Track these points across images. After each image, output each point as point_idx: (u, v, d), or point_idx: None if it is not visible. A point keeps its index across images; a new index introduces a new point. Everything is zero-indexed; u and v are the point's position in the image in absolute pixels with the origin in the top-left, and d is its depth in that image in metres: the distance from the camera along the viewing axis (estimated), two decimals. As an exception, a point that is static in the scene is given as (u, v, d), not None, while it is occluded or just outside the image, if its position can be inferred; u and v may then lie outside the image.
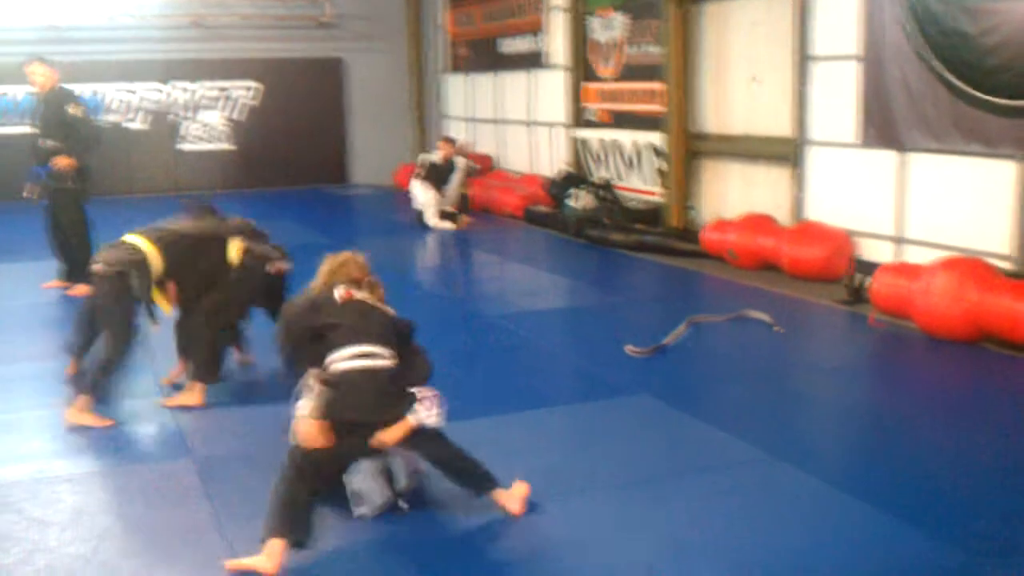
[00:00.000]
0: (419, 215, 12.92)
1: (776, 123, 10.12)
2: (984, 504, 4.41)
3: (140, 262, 5.65)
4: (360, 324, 4.30)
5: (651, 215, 11.74)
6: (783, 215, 9.92)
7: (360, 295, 4.49)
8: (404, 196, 13.45)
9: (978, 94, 7.63)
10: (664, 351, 6.88)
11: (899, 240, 8.62)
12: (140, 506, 4.59)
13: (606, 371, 6.48)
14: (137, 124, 17.10)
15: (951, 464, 4.93)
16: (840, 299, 8.26)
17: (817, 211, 9.48)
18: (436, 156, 13.25)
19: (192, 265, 5.89)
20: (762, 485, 4.66)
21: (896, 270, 7.72)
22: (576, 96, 13.74)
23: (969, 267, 7.16)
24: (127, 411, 5.74)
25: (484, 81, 16.63)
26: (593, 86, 13.42)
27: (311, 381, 4.13)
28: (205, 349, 5.97)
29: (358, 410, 4.06)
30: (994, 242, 7.67)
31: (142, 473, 5.00)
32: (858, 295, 8.12)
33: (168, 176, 17.08)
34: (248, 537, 4.13)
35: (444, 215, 12.85)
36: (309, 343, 4.34)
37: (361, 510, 4.30)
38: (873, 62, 8.61)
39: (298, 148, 17.81)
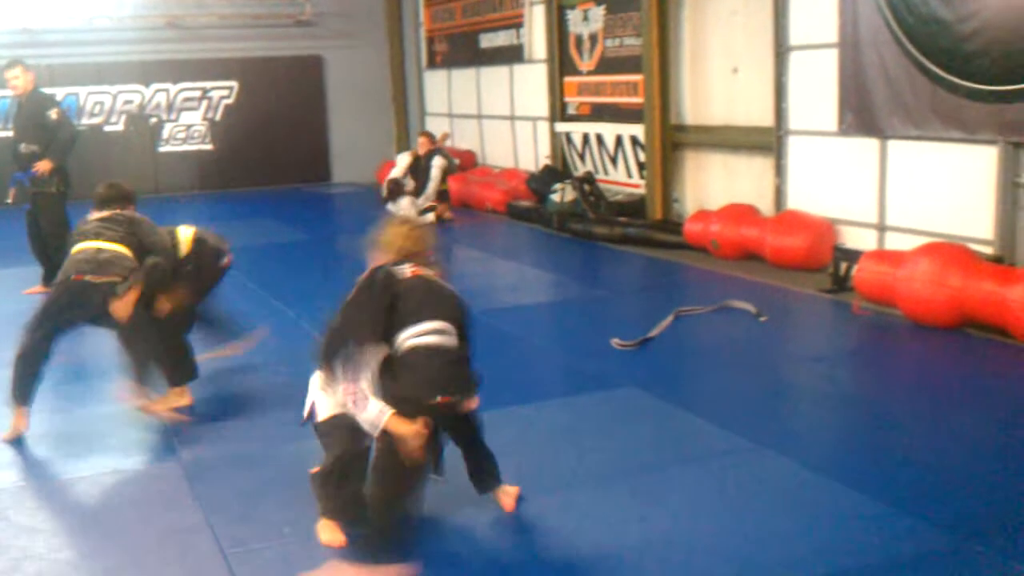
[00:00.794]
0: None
1: (756, 113, 10.14)
2: (969, 487, 4.45)
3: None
4: (429, 300, 4.07)
5: (634, 208, 11.75)
6: (765, 205, 9.95)
7: (426, 271, 4.21)
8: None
9: (956, 80, 7.66)
10: (650, 343, 6.89)
11: (881, 227, 8.65)
12: (128, 510, 4.57)
13: (592, 364, 6.49)
14: (116, 126, 17.02)
15: (936, 449, 4.97)
16: (824, 287, 8.29)
17: (799, 200, 9.51)
18: (400, 169, 13.16)
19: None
20: (749, 474, 4.68)
21: (879, 257, 7.76)
22: (557, 90, 13.74)
23: (951, 253, 7.20)
24: (112, 416, 5.72)
25: (465, 76, 16.61)
26: (573, 80, 13.42)
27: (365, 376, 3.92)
28: (174, 351, 5.85)
29: (434, 389, 3.90)
30: (976, 228, 7.71)
31: (129, 477, 4.98)
32: (842, 283, 8.15)
33: (148, 178, 17.01)
34: (238, 538, 4.13)
35: (421, 212, 12.83)
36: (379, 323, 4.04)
37: None
38: (851, 50, 8.64)
39: (279, 147, 17.75)
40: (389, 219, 4.50)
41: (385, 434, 3.82)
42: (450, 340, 4.02)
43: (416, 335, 3.96)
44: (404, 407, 3.82)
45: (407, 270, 4.14)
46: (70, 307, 5.42)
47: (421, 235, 4.37)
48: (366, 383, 3.90)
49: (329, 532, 4.10)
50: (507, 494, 4.35)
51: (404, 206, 12.82)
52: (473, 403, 4.14)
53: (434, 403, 3.89)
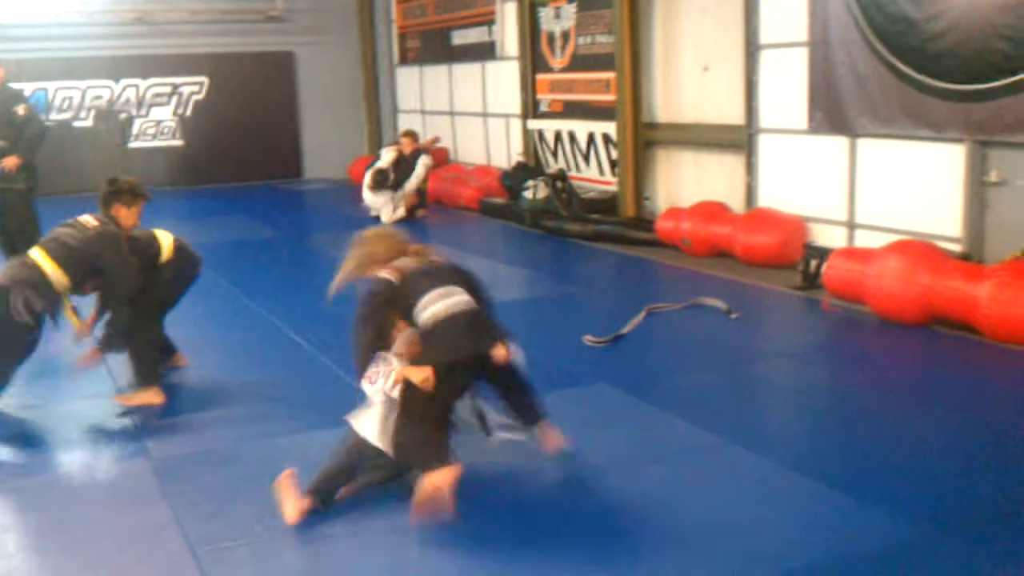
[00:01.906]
0: (376, 216, 12.84)
1: (727, 111, 10.19)
2: (939, 482, 4.49)
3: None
4: (424, 277, 4.43)
5: (606, 205, 11.77)
6: (736, 202, 9.99)
7: (408, 263, 4.54)
8: (359, 191, 13.40)
9: (925, 79, 7.73)
10: (621, 340, 6.91)
11: (851, 225, 8.71)
12: (98, 508, 4.54)
13: (564, 361, 6.50)
14: (85, 122, 16.88)
15: (906, 444, 5.01)
16: (794, 285, 8.34)
17: (770, 198, 9.56)
18: (386, 160, 13.15)
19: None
20: (721, 470, 4.71)
21: (848, 255, 7.81)
22: (529, 87, 13.74)
23: (920, 251, 7.26)
24: (82, 413, 5.68)
25: (437, 73, 16.59)
26: (546, 77, 13.43)
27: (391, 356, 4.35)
28: (144, 355, 5.87)
29: (456, 348, 4.25)
30: (944, 225, 7.78)
31: (99, 475, 4.95)
32: (812, 280, 8.20)
33: (117, 174, 16.81)
34: (209, 536, 4.11)
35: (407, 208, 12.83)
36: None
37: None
38: (821, 48, 8.70)
39: (250, 143, 17.66)
40: (354, 240, 4.68)
41: (403, 385, 4.20)
42: (460, 299, 4.35)
43: (426, 307, 4.29)
44: (441, 370, 4.16)
45: (392, 270, 4.45)
46: None
47: (387, 237, 4.69)
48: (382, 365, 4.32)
49: (440, 477, 4.11)
50: (555, 436, 4.66)
51: (382, 201, 12.79)
52: (502, 352, 4.30)
53: (465, 360, 4.26)
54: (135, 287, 5.67)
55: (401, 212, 12.73)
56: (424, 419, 4.23)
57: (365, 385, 4.38)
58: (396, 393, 4.26)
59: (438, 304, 4.29)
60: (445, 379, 4.19)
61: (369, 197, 12.93)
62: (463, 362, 4.29)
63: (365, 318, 4.43)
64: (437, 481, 4.06)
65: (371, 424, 4.33)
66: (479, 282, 4.61)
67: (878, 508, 4.18)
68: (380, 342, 4.42)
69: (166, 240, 6.03)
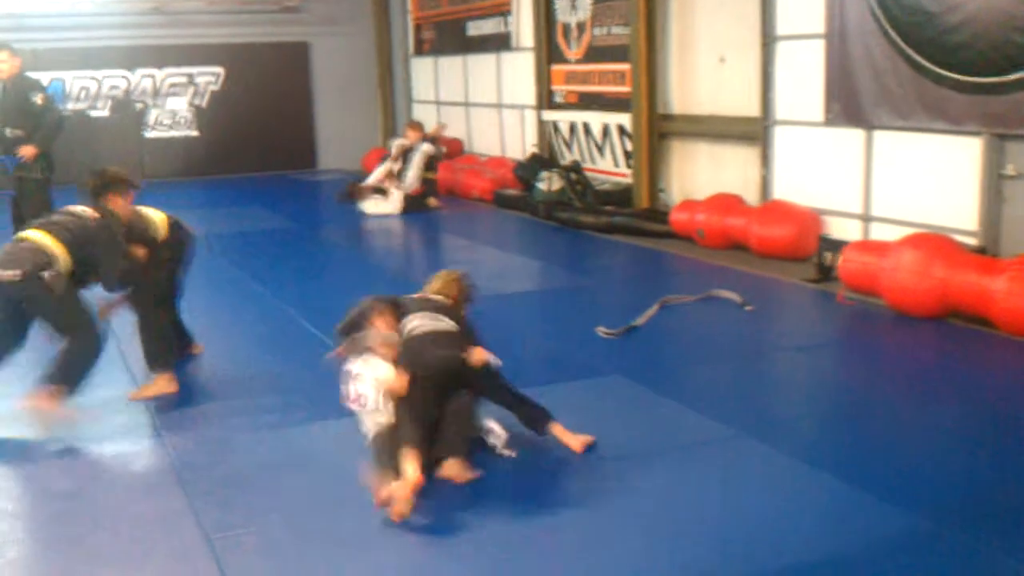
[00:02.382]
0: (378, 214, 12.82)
1: (743, 103, 10.15)
2: (951, 475, 4.48)
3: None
4: (423, 303, 4.98)
5: (620, 197, 11.75)
6: (751, 195, 9.97)
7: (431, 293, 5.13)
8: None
9: (942, 71, 7.69)
10: (635, 332, 6.91)
11: (866, 218, 8.68)
12: (112, 495, 4.56)
13: (577, 352, 6.51)
14: (101, 112, 16.94)
15: (919, 437, 5.00)
16: (809, 277, 8.32)
17: (785, 190, 9.54)
18: (395, 149, 13.21)
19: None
20: (734, 462, 4.71)
21: (864, 248, 7.79)
22: (544, 78, 13.72)
23: (936, 244, 7.23)
24: (97, 401, 5.71)
25: (452, 64, 16.58)
26: (561, 68, 13.41)
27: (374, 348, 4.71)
28: (156, 338, 5.89)
29: (428, 361, 4.64)
30: (960, 219, 7.74)
31: (113, 462, 4.98)
32: (827, 273, 8.18)
33: (134, 164, 16.91)
34: (223, 523, 4.13)
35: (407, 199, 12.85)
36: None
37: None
38: (838, 40, 8.66)
39: (265, 134, 17.70)
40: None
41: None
42: (441, 324, 4.80)
43: (411, 322, 4.80)
44: (417, 377, 4.58)
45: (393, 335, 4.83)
46: None
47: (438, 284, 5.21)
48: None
49: (398, 486, 4.21)
50: (575, 437, 4.80)
51: (372, 202, 12.82)
52: (477, 356, 4.68)
53: (431, 369, 4.63)
54: (120, 271, 5.66)
55: (398, 205, 12.70)
56: (401, 425, 4.48)
57: (354, 408, 4.72)
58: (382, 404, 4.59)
59: (417, 322, 4.78)
60: (419, 388, 4.55)
61: (368, 206, 12.91)
62: (439, 374, 4.64)
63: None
64: (393, 489, 4.15)
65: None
66: (456, 312, 5.00)
67: (890, 500, 4.17)
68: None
69: (158, 217, 6.06)
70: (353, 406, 4.71)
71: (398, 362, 4.62)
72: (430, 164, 13.22)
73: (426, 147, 13.10)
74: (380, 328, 4.75)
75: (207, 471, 4.74)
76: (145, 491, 4.58)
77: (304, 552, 3.94)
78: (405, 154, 13.10)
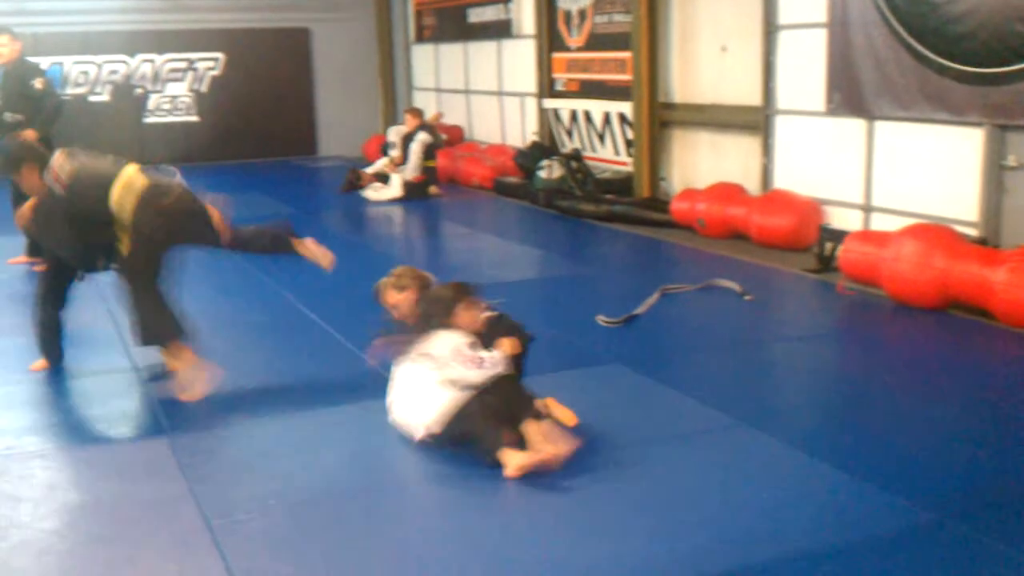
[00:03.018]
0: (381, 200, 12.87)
1: (744, 92, 10.14)
2: (951, 466, 4.49)
3: None
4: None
5: (621, 185, 11.75)
6: (752, 184, 9.96)
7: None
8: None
9: (944, 62, 7.68)
10: (635, 320, 6.91)
11: (867, 208, 8.68)
12: (113, 481, 4.57)
13: (577, 341, 6.51)
14: (101, 96, 16.90)
15: (918, 428, 5.01)
16: (809, 267, 8.32)
17: (786, 180, 9.53)
18: (395, 136, 13.25)
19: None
20: (733, 451, 4.71)
21: (864, 238, 7.79)
22: (545, 66, 13.69)
23: (936, 234, 7.23)
24: (98, 386, 5.71)
25: (453, 51, 16.54)
26: (562, 56, 13.38)
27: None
28: (150, 312, 5.50)
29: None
30: (961, 209, 7.74)
31: (114, 447, 4.98)
32: (827, 263, 8.18)
33: (133, 149, 16.88)
34: (223, 509, 4.14)
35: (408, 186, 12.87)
36: None
37: None
38: (840, 30, 8.64)
39: (265, 120, 17.67)
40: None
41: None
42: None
43: None
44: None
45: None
46: None
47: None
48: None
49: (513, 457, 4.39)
50: (566, 412, 4.94)
51: (371, 189, 12.86)
52: (516, 342, 5.02)
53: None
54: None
55: (398, 190, 12.72)
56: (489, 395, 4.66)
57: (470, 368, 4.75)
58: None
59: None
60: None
61: (369, 192, 12.97)
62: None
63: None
64: (509, 470, 4.35)
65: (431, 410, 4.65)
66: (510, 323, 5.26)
67: (888, 491, 4.18)
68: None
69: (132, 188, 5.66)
70: (474, 367, 4.74)
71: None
72: (429, 153, 13.21)
73: (423, 136, 13.08)
74: (465, 321, 4.89)
75: (207, 456, 4.75)
76: (145, 476, 4.58)
77: (304, 537, 3.94)
78: (405, 142, 13.12)
